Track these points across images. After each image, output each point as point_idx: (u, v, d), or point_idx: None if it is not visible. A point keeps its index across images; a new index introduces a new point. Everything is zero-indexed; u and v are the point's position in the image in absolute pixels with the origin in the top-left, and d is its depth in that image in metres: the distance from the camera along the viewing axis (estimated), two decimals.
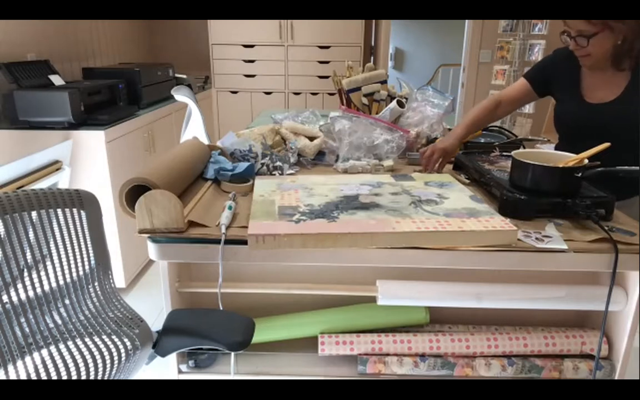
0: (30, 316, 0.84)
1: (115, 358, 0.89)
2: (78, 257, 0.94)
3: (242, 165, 1.29)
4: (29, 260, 0.85)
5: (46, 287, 0.88)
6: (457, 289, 1.06)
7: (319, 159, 1.54)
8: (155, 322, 2.17)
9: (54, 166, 2.04)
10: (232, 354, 1.14)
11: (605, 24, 1.22)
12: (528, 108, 3.82)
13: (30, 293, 0.84)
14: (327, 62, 3.69)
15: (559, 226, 1.05)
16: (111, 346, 0.90)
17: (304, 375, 1.14)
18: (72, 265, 0.93)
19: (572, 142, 1.30)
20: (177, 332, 0.96)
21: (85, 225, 0.96)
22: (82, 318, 0.92)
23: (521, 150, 1.26)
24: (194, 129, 1.88)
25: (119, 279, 2.42)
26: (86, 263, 0.96)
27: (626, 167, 1.08)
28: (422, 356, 1.11)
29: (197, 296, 1.20)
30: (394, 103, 1.67)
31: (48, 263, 0.89)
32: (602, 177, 1.09)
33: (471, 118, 1.52)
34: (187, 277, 1.16)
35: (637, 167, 1.09)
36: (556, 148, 1.54)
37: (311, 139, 1.56)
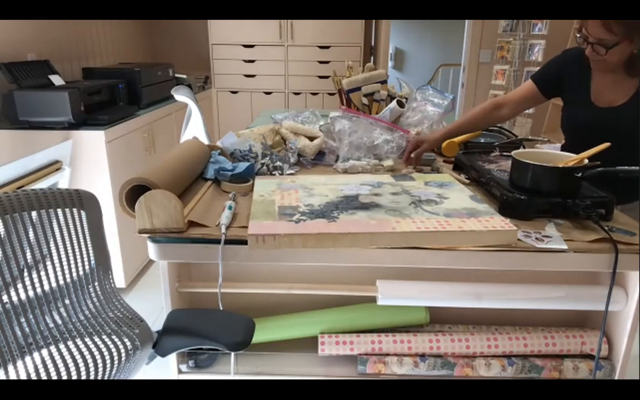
0: (30, 316, 0.84)
1: (115, 358, 0.89)
2: (78, 257, 0.94)
3: (242, 165, 1.29)
4: (29, 260, 0.85)
5: (46, 287, 0.88)
6: (457, 289, 1.06)
7: (319, 159, 1.54)
8: (155, 322, 2.16)
9: (54, 166, 2.04)
10: (232, 354, 1.14)
11: (626, 35, 1.22)
12: None
13: (30, 293, 0.84)
14: (327, 62, 3.69)
15: (559, 226, 1.05)
16: (111, 346, 0.90)
17: (304, 375, 1.14)
18: (72, 265, 0.93)
19: (580, 144, 1.29)
20: (177, 332, 0.96)
21: (85, 225, 0.96)
22: (82, 318, 0.92)
23: (521, 150, 1.26)
24: (194, 129, 1.88)
25: (119, 279, 2.42)
26: (86, 263, 0.96)
27: (626, 168, 1.08)
28: (422, 356, 1.11)
29: (197, 296, 1.20)
30: (394, 103, 1.67)
31: (48, 263, 0.89)
32: (602, 177, 1.09)
33: (466, 117, 1.54)
34: (187, 277, 1.16)
35: (637, 168, 1.08)
36: (562, 150, 1.54)
37: (311, 139, 1.55)
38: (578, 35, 1.32)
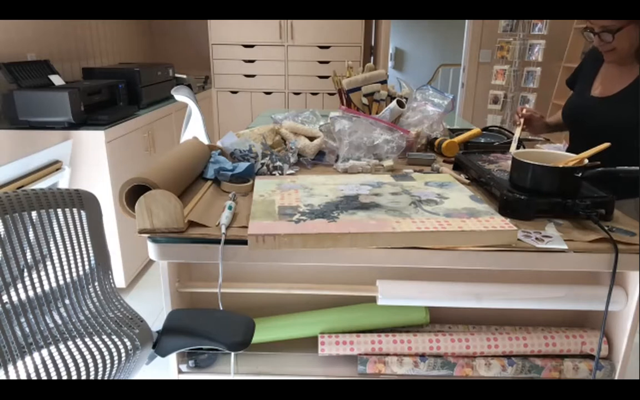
0: (30, 316, 0.84)
1: (115, 358, 0.89)
2: (78, 257, 0.94)
3: (242, 165, 1.29)
4: (29, 260, 0.85)
5: (46, 287, 0.88)
6: (457, 289, 1.06)
7: (319, 159, 1.54)
8: (155, 322, 2.17)
9: (54, 166, 2.04)
10: (232, 354, 1.14)
11: (630, 20, 1.21)
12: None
13: (30, 293, 0.84)
14: (327, 62, 3.69)
15: (559, 226, 1.05)
16: (111, 346, 0.90)
17: (304, 375, 1.14)
18: (72, 265, 0.93)
19: (573, 136, 1.29)
20: (177, 332, 0.96)
21: (85, 225, 0.96)
22: (82, 318, 0.92)
23: (521, 150, 1.26)
24: (194, 129, 1.88)
25: (119, 279, 2.42)
26: (86, 263, 0.96)
27: (626, 167, 1.08)
28: (422, 356, 1.11)
29: (197, 296, 1.20)
30: (394, 103, 1.67)
31: (48, 263, 0.89)
32: (602, 177, 1.09)
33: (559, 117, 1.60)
34: (187, 277, 1.16)
35: (637, 167, 1.08)
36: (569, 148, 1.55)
37: (311, 139, 1.55)
38: (585, 32, 1.32)
